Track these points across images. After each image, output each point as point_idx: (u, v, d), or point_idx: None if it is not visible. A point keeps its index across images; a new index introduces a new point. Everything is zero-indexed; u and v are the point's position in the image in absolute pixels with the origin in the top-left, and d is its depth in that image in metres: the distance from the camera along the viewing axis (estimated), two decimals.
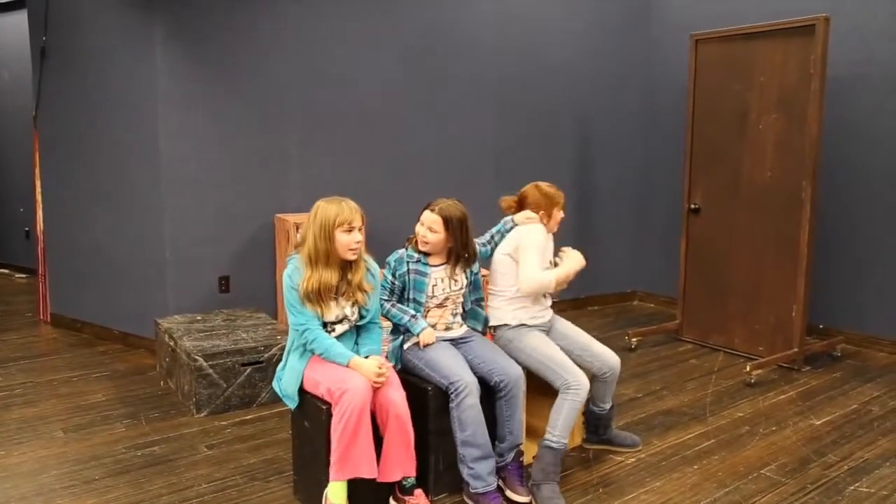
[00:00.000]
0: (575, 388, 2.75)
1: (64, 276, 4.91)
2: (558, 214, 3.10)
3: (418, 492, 2.63)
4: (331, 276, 2.56)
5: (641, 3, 5.78)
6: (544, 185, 3.12)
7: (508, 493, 2.74)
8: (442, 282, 2.85)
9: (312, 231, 2.56)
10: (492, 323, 3.04)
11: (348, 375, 2.49)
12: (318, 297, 2.56)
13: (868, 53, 4.59)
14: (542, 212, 3.06)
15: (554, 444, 2.74)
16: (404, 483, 2.62)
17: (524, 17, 5.26)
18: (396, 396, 2.54)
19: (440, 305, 2.87)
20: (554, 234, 3.17)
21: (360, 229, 2.59)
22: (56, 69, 4.66)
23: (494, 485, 2.65)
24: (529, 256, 2.91)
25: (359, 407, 2.40)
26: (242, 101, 4.29)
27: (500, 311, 3.01)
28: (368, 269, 2.69)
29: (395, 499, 2.66)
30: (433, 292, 2.83)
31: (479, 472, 2.62)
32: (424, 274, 2.82)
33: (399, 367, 2.85)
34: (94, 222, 4.61)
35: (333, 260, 2.57)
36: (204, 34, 4.15)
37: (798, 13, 4.38)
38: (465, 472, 2.65)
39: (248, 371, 3.61)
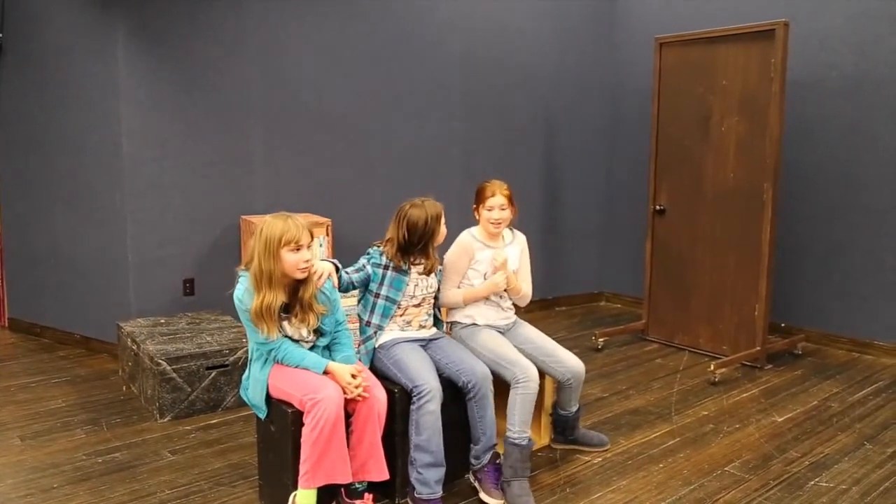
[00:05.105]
0: (524, 381, 2.78)
1: (22, 279, 4.79)
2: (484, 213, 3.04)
3: (368, 496, 2.58)
4: (274, 298, 2.42)
5: (606, 7, 5.83)
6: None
7: (482, 496, 2.74)
8: (421, 282, 2.90)
9: (257, 250, 2.41)
10: (448, 319, 3.13)
11: (321, 384, 2.44)
12: (268, 317, 2.43)
13: (825, 58, 4.69)
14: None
15: (515, 440, 2.76)
16: (356, 486, 2.57)
17: (489, 20, 5.28)
18: (380, 395, 2.55)
19: (418, 305, 2.92)
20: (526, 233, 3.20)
21: (308, 247, 2.47)
22: (13, 67, 4.53)
23: (439, 493, 2.64)
24: (444, 277, 3.04)
25: (332, 416, 2.38)
26: (206, 102, 4.23)
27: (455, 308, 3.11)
28: (322, 290, 2.57)
29: None
30: (414, 292, 2.88)
31: (426, 478, 2.62)
32: (405, 272, 2.85)
33: (368, 367, 2.83)
34: (53, 224, 4.50)
35: (279, 280, 2.44)
36: (167, 33, 4.08)
37: (759, 18, 4.46)
38: (413, 475, 2.65)
39: (212, 375, 3.56)
